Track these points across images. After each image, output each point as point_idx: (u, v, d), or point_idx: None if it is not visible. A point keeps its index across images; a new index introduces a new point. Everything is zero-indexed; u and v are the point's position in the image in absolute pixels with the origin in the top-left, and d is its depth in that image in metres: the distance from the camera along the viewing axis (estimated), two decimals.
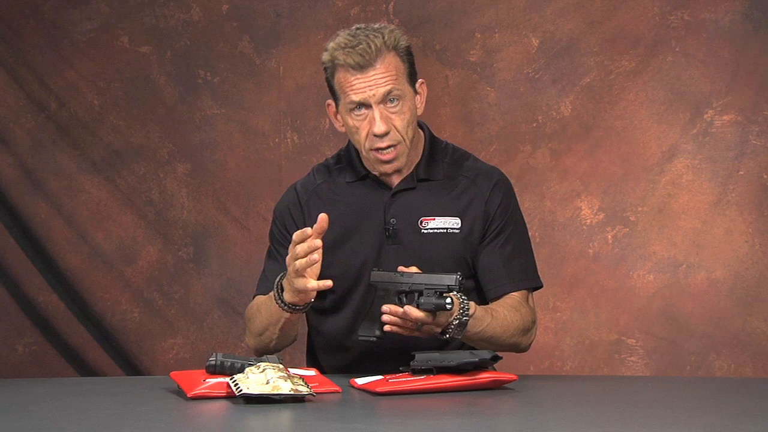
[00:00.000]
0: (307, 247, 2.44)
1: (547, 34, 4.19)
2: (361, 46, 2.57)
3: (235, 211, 4.44)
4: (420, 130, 2.74)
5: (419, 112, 2.68)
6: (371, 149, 2.62)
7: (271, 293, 2.59)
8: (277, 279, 2.57)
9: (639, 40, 4.11)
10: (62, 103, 4.46)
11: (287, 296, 2.53)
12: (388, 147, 2.61)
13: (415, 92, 2.66)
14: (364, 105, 2.60)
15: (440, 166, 2.73)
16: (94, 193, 4.47)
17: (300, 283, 2.48)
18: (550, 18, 4.18)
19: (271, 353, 2.68)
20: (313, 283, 2.47)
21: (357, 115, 2.61)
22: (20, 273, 4.43)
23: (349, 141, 2.74)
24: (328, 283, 2.47)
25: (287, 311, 2.56)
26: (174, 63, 4.46)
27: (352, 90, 2.59)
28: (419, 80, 2.68)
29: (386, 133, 2.60)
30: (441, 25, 4.25)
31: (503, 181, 2.77)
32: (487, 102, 4.23)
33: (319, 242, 2.45)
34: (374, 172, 2.70)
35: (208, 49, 4.45)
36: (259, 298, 2.70)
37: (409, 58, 2.64)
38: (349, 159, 2.74)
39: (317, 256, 2.45)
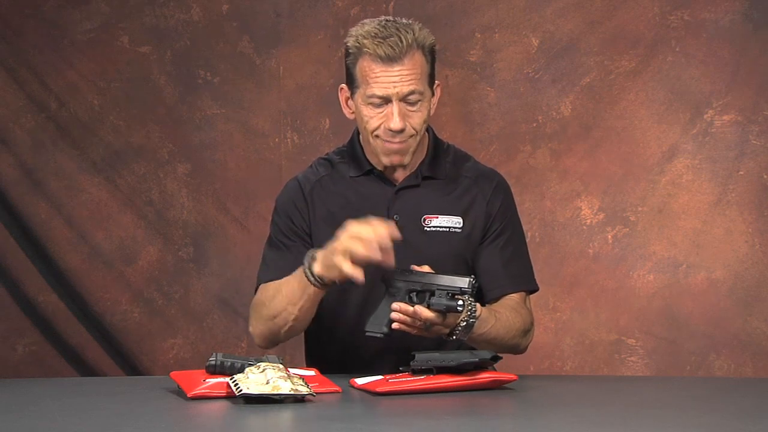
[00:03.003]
0: (381, 240, 2.42)
1: (547, 34, 4.19)
2: (392, 39, 2.56)
3: (235, 211, 4.44)
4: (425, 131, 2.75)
5: (431, 113, 2.69)
6: (378, 137, 2.62)
7: (293, 273, 2.57)
8: (309, 252, 2.53)
9: (639, 40, 4.11)
10: (62, 103, 4.46)
11: (317, 268, 2.50)
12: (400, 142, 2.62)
13: (432, 93, 2.66)
14: (385, 99, 2.59)
15: (443, 165, 2.74)
16: (94, 193, 4.47)
17: (339, 260, 2.44)
18: (550, 18, 4.18)
19: (279, 341, 2.67)
20: (347, 267, 2.43)
21: (376, 108, 2.61)
22: (20, 273, 4.43)
23: (352, 136, 2.75)
24: (361, 278, 2.43)
25: (314, 284, 2.51)
26: (174, 63, 4.46)
27: (376, 83, 2.58)
28: (437, 82, 2.68)
29: (401, 130, 2.60)
30: (441, 25, 4.25)
31: (503, 183, 2.78)
32: (487, 102, 4.23)
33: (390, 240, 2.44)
34: (377, 167, 2.70)
35: (208, 49, 4.45)
36: (273, 283, 2.65)
37: (432, 58, 2.65)
38: (353, 154, 2.74)
39: (379, 255, 2.43)
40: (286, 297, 2.59)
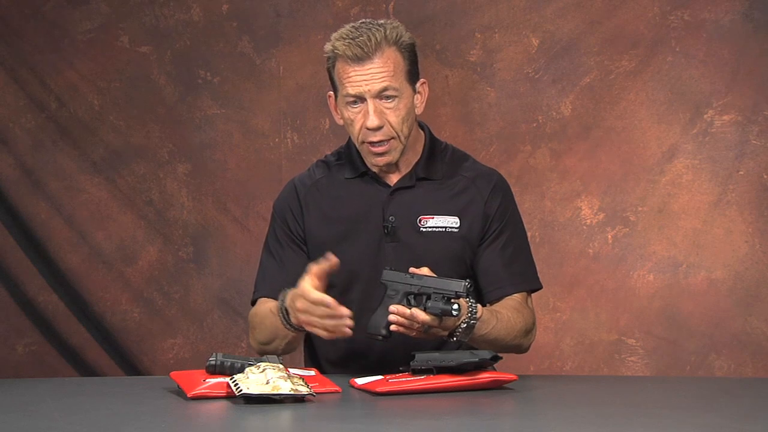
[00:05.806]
0: (325, 314, 2.44)
1: (547, 34, 4.19)
2: (361, 39, 2.58)
3: (235, 211, 4.44)
4: (421, 130, 2.74)
5: (419, 111, 2.68)
6: (364, 142, 2.63)
7: (275, 308, 2.58)
8: (280, 303, 2.54)
9: (639, 40, 4.11)
10: (62, 103, 4.46)
11: (294, 319, 2.52)
12: (381, 141, 2.62)
13: (415, 91, 2.66)
14: (360, 98, 2.60)
15: (439, 165, 2.73)
16: (94, 193, 4.47)
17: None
18: (550, 18, 4.18)
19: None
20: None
21: (353, 108, 2.62)
22: (20, 273, 4.43)
23: (349, 138, 2.75)
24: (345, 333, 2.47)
25: (295, 331, 2.56)
26: (174, 63, 4.46)
27: (349, 82, 2.60)
28: (421, 80, 2.68)
29: (379, 128, 2.60)
30: (441, 25, 4.25)
31: (502, 183, 2.77)
32: (487, 102, 4.23)
33: (345, 312, 2.44)
34: (372, 168, 2.70)
35: (208, 49, 4.45)
36: (262, 308, 2.67)
37: (410, 55, 2.64)
38: (349, 156, 2.74)
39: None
40: (272, 331, 2.61)
